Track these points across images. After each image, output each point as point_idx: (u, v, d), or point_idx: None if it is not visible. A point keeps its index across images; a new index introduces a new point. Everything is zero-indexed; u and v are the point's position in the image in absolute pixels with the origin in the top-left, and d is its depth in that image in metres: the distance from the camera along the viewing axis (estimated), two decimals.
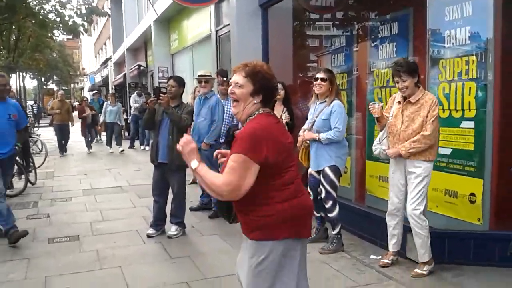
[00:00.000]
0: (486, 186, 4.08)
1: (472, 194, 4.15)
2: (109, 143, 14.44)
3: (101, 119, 14.57)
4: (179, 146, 2.21)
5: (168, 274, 4.21)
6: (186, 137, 2.24)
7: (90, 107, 15.79)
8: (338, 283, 3.95)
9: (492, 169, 4.08)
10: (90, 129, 15.28)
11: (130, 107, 15.74)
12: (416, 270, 4.01)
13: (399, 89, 3.98)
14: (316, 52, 7.46)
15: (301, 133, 4.89)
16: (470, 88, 4.10)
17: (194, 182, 7.83)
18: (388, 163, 4.25)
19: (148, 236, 5.35)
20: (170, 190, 5.51)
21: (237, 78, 2.28)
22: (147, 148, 14.19)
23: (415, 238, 3.97)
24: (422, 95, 3.93)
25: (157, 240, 5.23)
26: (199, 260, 4.57)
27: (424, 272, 3.98)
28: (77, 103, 15.18)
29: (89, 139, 14.94)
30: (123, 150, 14.11)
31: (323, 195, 4.66)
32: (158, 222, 5.48)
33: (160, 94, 5.13)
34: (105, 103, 14.92)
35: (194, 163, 2.17)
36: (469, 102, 4.12)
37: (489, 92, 4.01)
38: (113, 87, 24.96)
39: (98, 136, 17.51)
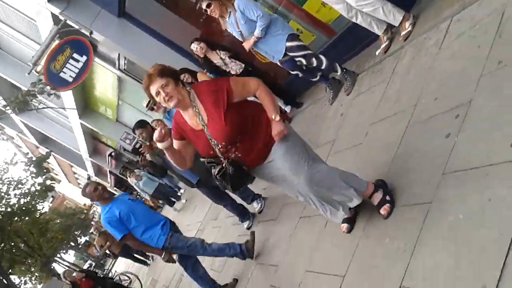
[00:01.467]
0: None
1: None
2: (171, 204, 13.94)
3: (147, 197, 13.86)
4: None
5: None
6: None
7: None
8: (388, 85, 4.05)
9: None
10: None
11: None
12: (402, 33, 4.13)
13: None
14: None
15: (246, 46, 4.92)
16: None
17: None
18: None
19: (249, 228, 5.58)
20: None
21: (158, 83, 2.65)
22: (181, 190, 14.32)
23: (376, 12, 4.08)
24: None
25: (256, 222, 5.51)
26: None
27: (409, 28, 4.08)
28: None
29: None
30: (186, 200, 13.31)
31: (304, 62, 4.77)
32: (243, 213, 5.71)
33: (139, 150, 5.36)
34: (134, 184, 13.79)
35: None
36: None
37: None
38: (115, 188, 25.18)
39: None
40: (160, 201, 15.77)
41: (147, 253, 13.61)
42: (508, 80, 2.53)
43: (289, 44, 4.68)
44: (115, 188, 25.87)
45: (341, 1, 4.17)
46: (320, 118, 5.22)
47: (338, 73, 4.86)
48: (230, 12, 4.73)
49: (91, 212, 38.80)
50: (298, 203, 4.51)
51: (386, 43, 4.35)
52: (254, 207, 5.66)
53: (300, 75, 4.97)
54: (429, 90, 3.26)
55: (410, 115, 3.29)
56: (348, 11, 4.20)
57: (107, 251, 13.62)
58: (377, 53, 4.54)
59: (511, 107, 2.40)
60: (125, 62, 9.35)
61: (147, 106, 6.53)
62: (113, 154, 19.55)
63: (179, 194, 14.51)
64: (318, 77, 5.08)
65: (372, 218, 3.04)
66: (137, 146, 5.52)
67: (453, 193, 2.45)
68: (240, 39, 4.90)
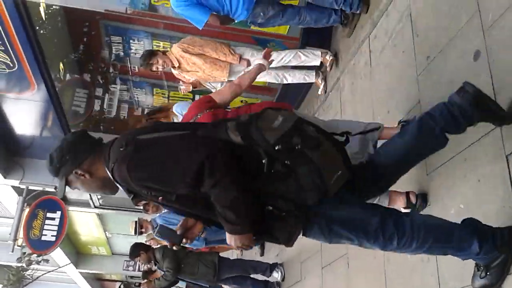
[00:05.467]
0: None
1: None
2: None
3: None
4: None
5: None
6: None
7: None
8: None
9: None
10: None
11: None
12: (327, 65, 4.43)
13: None
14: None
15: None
16: None
17: None
18: None
19: None
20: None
21: None
22: None
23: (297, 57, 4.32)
24: None
25: None
26: None
27: (331, 58, 4.36)
28: None
29: None
30: None
31: None
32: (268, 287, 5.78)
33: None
34: None
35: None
36: None
37: None
38: None
39: None
40: None
41: None
42: (442, 69, 2.70)
43: None
44: None
45: (265, 73, 4.10)
46: None
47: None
48: (173, 118, 4.90)
49: None
50: (314, 255, 4.51)
51: (323, 83, 4.61)
52: (275, 277, 5.64)
53: None
54: (380, 104, 3.43)
55: None
56: (276, 77, 4.48)
57: None
58: (319, 93, 4.76)
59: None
60: (98, 198, 9.35)
61: (135, 233, 6.44)
62: (122, 286, 19.04)
63: None
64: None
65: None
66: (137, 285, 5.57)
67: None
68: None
